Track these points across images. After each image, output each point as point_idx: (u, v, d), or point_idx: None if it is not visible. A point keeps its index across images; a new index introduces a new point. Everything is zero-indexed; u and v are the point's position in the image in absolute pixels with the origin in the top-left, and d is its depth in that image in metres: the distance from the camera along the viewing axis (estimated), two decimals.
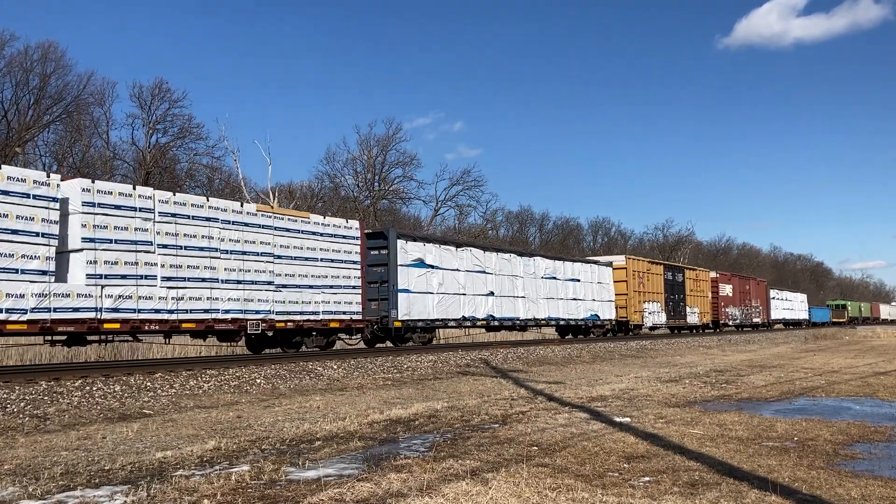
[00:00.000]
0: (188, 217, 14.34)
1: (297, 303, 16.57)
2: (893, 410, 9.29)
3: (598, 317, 30.51)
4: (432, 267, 21.22)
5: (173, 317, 13.76)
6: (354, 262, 18.34)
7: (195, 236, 14.41)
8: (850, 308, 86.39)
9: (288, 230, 16.60)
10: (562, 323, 28.40)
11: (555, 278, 27.80)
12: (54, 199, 12.14)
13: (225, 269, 14.92)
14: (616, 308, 32.06)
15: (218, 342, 16.74)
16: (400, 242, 20.18)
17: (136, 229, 13.33)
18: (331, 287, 17.55)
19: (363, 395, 11.29)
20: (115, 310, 12.79)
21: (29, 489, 4.91)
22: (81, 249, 12.52)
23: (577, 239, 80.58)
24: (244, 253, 15.40)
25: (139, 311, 13.17)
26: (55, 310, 11.88)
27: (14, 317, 11.38)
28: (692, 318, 39.27)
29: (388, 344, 21.33)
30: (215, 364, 13.76)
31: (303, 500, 4.58)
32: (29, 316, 11.53)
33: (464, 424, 7.90)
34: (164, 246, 13.80)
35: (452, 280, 22.10)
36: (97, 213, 12.77)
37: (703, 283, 41.47)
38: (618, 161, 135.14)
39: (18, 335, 11.91)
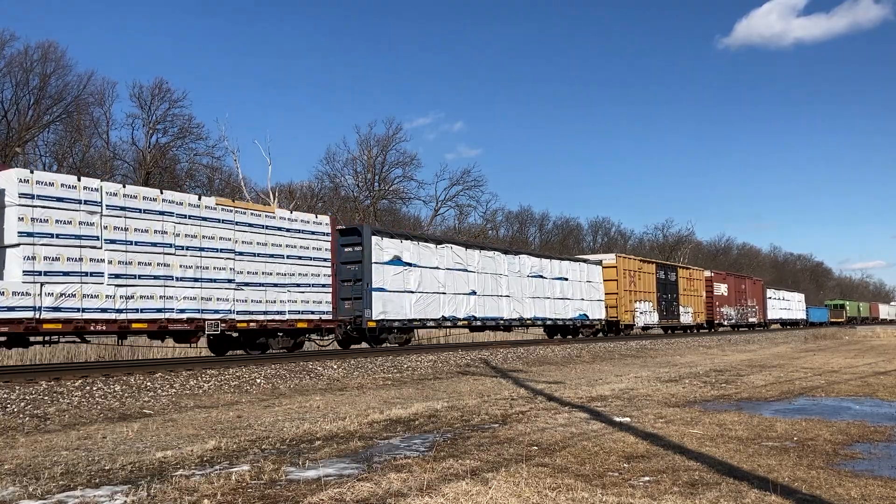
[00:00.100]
0: (139, 211, 13.62)
1: (260, 302, 15.85)
2: (893, 410, 9.30)
3: (587, 316, 29.89)
4: (410, 265, 20.60)
5: (122, 316, 13.08)
6: (325, 260, 17.66)
7: (147, 231, 13.70)
8: (848, 308, 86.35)
9: (251, 225, 15.86)
10: (549, 323, 27.74)
11: (541, 277, 27.13)
12: None
13: (180, 266, 14.22)
14: (606, 308, 31.41)
15: (175, 343, 15.80)
16: (375, 239, 19.56)
17: (80, 223, 12.59)
18: (298, 285, 16.83)
19: (363, 394, 11.29)
20: (57, 309, 12.09)
21: (29, 489, 4.91)
22: (18, 244, 11.83)
23: (577, 239, 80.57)
24: (202, 249, 14.68)
25: (84, 310, 12.47)
26: None
27: None
28: (686, 318, 38.77)
29: (364, 345, 20.71)
30: (215, 364, 13.75)
31: (303, 499, 4.58)
32: None
33: (464, 424, 7.91)
34: (113, 241, 13.09)
35: (431, 278, 21.43)
36: (36, 206, 12.04)
37: (696, 283, 40.97)
38: (618, 161, 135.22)
39: None
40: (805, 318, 65.20)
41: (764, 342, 32.21)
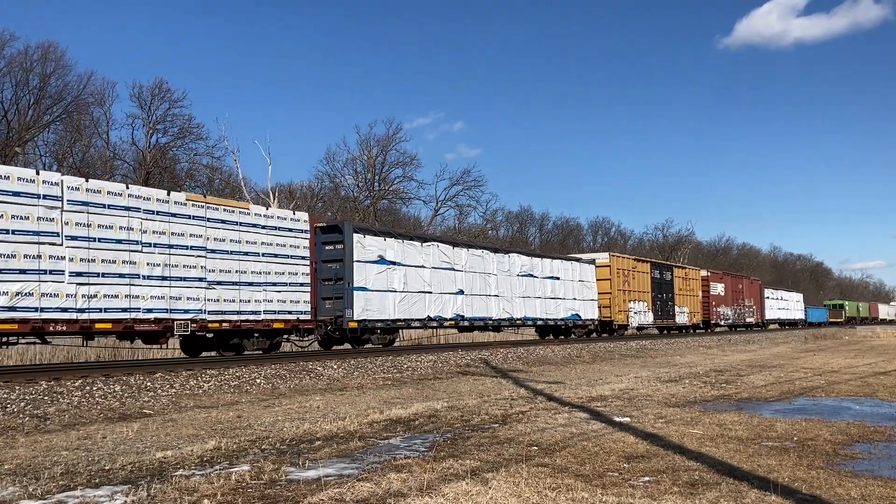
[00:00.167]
0: (103, 206, 13.06)
1: (233, 301, 15.27)
2: (893, 410, 9.30)
3: (580, 316, 29.28)
4: (394, 263, 19.97)
5: (84, 316, 12.54)
6: (303, 258, 17.04)
7: (112, 227, 13.15)
8: (847, 308, 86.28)
9: (224, 222, 15.27)
10: (539, 323, 27.12)
11: (532, 276, 26.43)
12: None
13: (147, 264, 13.67)
14: (599, 308, 30.80)
15: (144, 344, 15.09)
16: (357, 237, 18.90)
17: (39, 219, 12.02)
18: (274, 284, 16.23)
19: (363, 394, 11.29)
20: (12, 308, 11.56)
21: (29, 489, 4.91)
22: None
23: (577, 239, 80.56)
24: (171, 246, 14.14)
25: (42, 309, 11.94)
26: None
27: None
28: (681, 318, 38.32)
29: (347, 346, 20.13)
30: (215, 364, 13.74)
31: (303, 499, 4.58)
32: None
33: (464, 424, 7.91)
34: (74, 238, 12.54)
35: (417, 277, 20.80)
36: None
37: (693, 282, 40.51)
38: (618, 161, 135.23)
39: None
40: (804, 318, 65.16)
41: (764, 342, 32.21)
